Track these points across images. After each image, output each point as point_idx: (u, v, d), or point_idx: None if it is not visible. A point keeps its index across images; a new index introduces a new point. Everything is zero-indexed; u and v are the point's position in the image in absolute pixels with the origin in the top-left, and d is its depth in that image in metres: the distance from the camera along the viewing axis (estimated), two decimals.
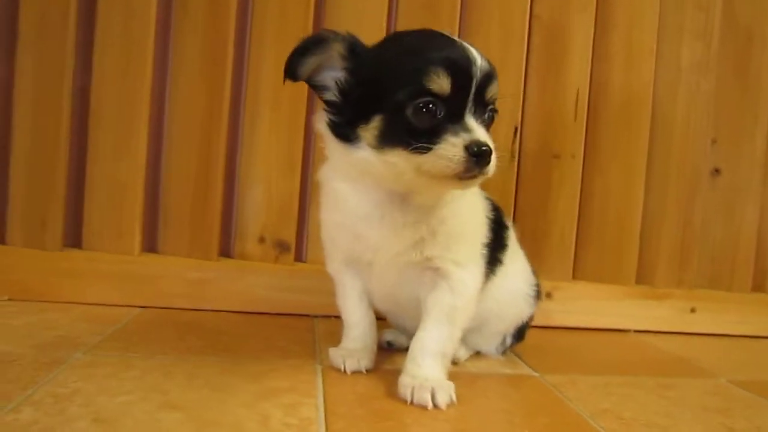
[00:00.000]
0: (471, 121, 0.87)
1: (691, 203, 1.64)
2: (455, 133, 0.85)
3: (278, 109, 1.47)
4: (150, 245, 1.50)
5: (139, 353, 1.08)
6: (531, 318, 1.30)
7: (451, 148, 0.84)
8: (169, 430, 0.78)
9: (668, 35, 1.61)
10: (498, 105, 1.52)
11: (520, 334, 1.28)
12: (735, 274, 1.67)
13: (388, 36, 1.00)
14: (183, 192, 1.47)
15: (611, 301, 1.59)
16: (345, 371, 1.06)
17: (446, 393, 0.93)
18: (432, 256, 0.99)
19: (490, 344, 1.26)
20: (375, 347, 1.12)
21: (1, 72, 1.41)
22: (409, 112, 0.86)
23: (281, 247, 1.49)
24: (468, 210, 1.03)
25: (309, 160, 1.51)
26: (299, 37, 1.41)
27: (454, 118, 0.86)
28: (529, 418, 0.93)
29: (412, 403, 0.93)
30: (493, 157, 0.85)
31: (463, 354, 1.21)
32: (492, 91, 0.90)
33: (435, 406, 0.92)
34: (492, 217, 1.12)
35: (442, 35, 0.92)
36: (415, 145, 0.85)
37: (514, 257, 1.22)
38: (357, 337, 1.12)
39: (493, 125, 1.49)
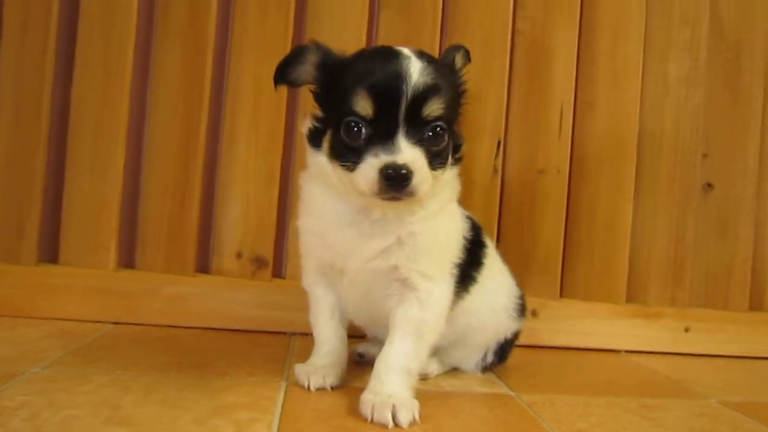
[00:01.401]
0: (401, 141, 0.86)
1: (682, 219, 1.59)
2: (376, 155, 0.85)
3: (256, 124, 1.46)
4: (128, 261, 1.48)
5: (100, 368, 1.05)
6: (515, 335, 1.25)
7: (368, 169, 0.85)
8: None
9: (654, 49, 1.59)
10: (480, 119, 1.52)
11: (502, 352, 1.24)
12: (730, 292, 1.61)
13: (355, 52, 0.99)
14: (160, 207, 1.45)
15: (600, 320, 1.54)
16: (309, 388, 1.02)
17: (408, 411, 0.89)
18: (399, 266, 0.97)
19: (469, 360, 1.22)
20: (344, 364, 1.09)
21: None
22: (342, 130, 0.88)
23: (258, 262, 1.46)
24: (441, 228, 1.01)
25: (287, 175, 1.50)
26: (278, 52, 1.43)
27: (383, 139, 0.86)
28: None
29: (372, 421, 0.89)
30: (417, 179, 0.85)
31: (434, 369, 1.17)
32: (429, 109, 0.88)
33: (396, 424, 0.88)
34: (470, 237, 1.09)
35: (390, 54, 0.91)
36: (342, 162, 0.88)
37: (493, 273, 1.18)
38: (326, 353, 1.09)
39: (474, 138, 1.49)
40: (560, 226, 1.55)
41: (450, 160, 0.97)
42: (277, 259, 1.50)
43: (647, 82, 1.59)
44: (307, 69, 0.97)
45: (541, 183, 1.55)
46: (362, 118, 0.87)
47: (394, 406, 0.89)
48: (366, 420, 0.89)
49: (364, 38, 1.47)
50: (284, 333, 1.43)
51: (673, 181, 1.60)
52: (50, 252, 1.44)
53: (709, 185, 1.62)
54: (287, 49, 1.45)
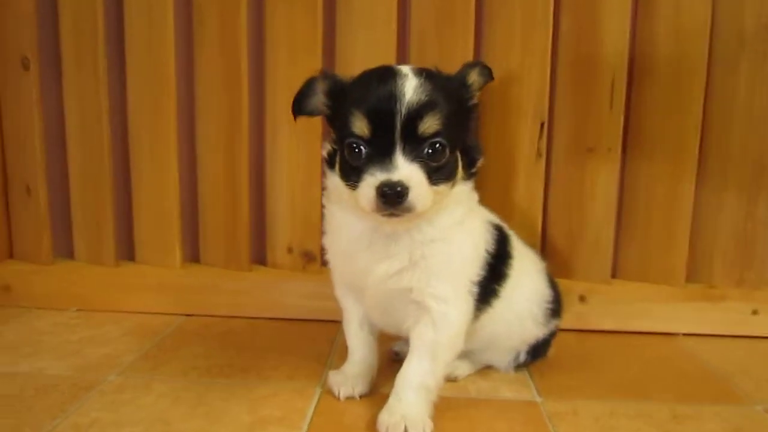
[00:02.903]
0: (398, 158, 0.88)
1: (755, 190, 1.44)
2: (373, 174, 0.88)
3: (296, 127, 1.49)
4: (193, 257, 1.62)
5: (163, 374, 1.20)
6: (551, 335, 1.26)
7: (366, 188, 0.89)
8: None
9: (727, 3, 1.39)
10: (522, 100, 1.44)
11: (536, 352, 1.25)
12: None
13: (357, 75, 0.99)
14: (215, 208, 1.56)
15: (656, 303, 1.47)
16: (339, 398, 1.11)
17: None
18: (412, 288, 1.00)
19: (501, 360, 1.25)
20: (374, 372, 1.16)
21: (55, 108, 1.57)
22: (345, 151, 0.92)
23: (307, 257, 1.55)
24: (456, 249, 1.01)
25: None
26: (309, 49, 1.43)
27: (381, 157, 0.89)
28: None
29: None
30: (413, 194, 0.87)
31: (463, 371, 1.21)
32: (424, 126, 0.89)
33: None
34: (493, 251, 1.09)
35: (386, 73, 0.92)
36: (346, 182, 0.93)
37: (521, 282, 1.16)
38: (356, 361, 1.16)
39: (515, 121, 1.43)
40: (612, 207, 1.47)
41: (461, 173, 0.98)
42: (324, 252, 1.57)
43: (717, 36, 1.41)
44: (318, 98, 1.01)
45: (590, 162, 1.46)
46: (360, 138, 0.90)
47: (406, 427, 0.95)
48: None
49: (395, 27, 1.42)
50: (335, 321, 1.52)
51: (746, 149, 1.44)
52: (128, 253, 1.62)
53: None
54: (318, 40, 1.44)
